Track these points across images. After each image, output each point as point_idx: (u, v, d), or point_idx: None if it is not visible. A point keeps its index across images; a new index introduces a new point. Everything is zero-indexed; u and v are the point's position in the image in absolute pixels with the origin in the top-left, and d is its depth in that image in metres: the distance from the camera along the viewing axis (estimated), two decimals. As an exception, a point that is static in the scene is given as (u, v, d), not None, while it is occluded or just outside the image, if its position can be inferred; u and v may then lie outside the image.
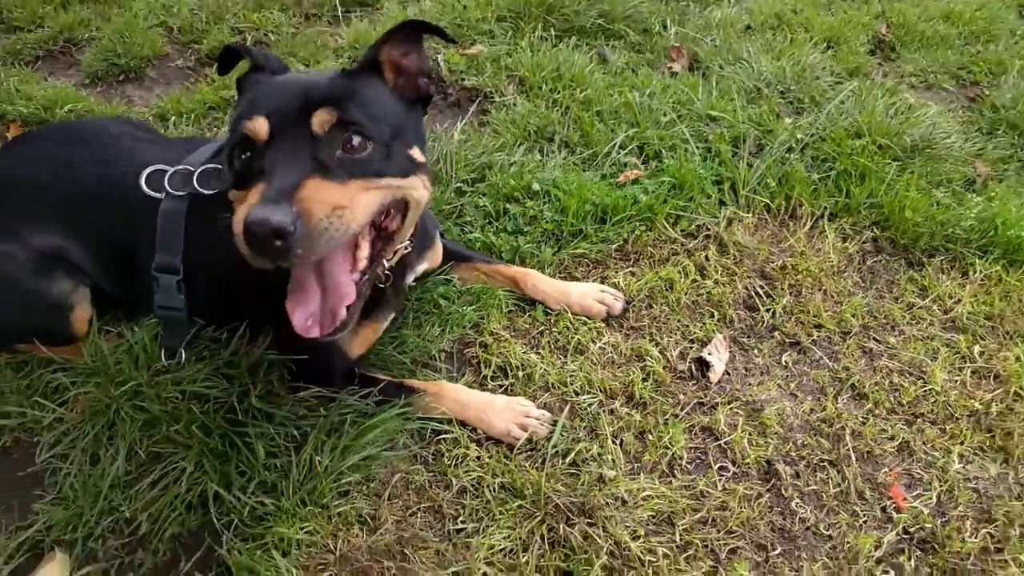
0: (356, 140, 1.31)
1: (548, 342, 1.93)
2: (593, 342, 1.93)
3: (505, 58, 2.86)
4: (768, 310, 2.00)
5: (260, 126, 1.29)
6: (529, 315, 2.00)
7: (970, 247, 2.15)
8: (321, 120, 1.30)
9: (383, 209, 1.37)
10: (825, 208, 2.27)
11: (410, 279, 1.82)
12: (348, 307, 1.35)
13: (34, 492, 1.63)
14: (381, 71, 1.48)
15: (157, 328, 1.77)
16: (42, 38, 2.99)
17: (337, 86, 1.37)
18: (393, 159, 1.37)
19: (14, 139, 2.14)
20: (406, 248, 1.59)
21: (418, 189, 1.44)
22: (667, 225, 2.22)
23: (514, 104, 2.65)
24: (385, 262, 1.50)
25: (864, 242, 2.21)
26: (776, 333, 1.96)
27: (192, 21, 3.10)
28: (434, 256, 1.92)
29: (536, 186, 2.25)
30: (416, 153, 1.45)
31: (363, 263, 1.40)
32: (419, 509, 1.58)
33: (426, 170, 1.47)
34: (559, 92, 2.67)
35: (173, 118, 2.62)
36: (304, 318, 1.34)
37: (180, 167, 1.69)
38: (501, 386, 1.83)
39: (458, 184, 2.31)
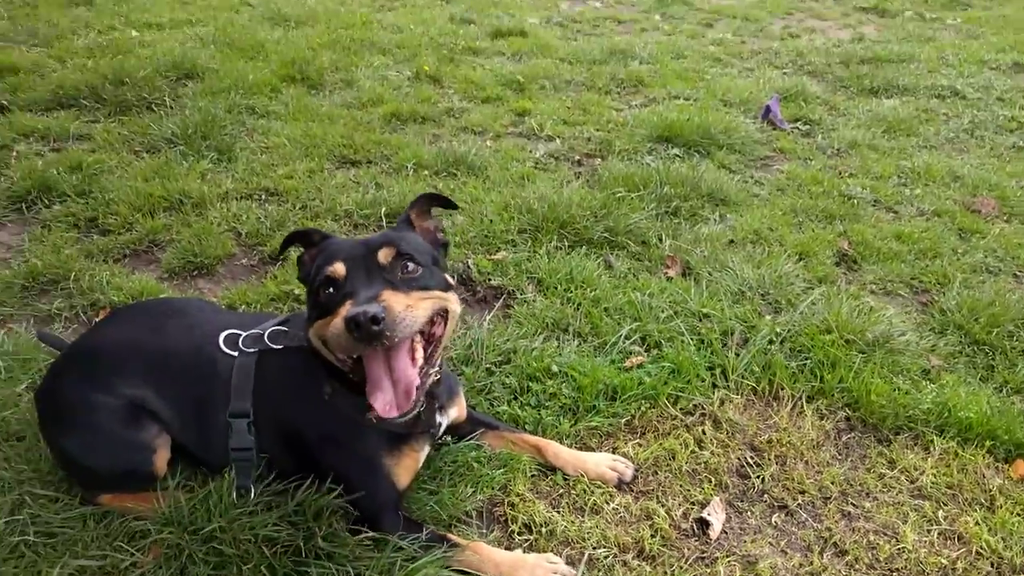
0: (410, 265, 1.82)
1: (567, 503, 2.21)
2: (607, 503, 2.20)
3: (525, 263, 3.35)
4: (758, 477, 2.30)
5: (339, 267, 1.79)
6: (550, 479, 2.29)
7: (929, 426, 2.48)
8: (385, 253, 1.81)
9: (434, 314, 1.80)
10: (803, 391, 2.63)
11: (441, 420, 2.13)
12: (416, 389, 1.72)
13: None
14: (412, 226, 2.06)
15: (230, 474, 2.06)
16: (131, 239, 3.48)
17: (390, 233, 1.96)
18: (435, 278, 1.87)
19: (120, 307, 2.58)
20: (437, 374, 1.94)
21: (454, 302, 1.90)
22: (668, 404, 2.57)
23: (534, 300, 3.10)
24: (431, 371, 1.85)
25: (838, 420, 2.55)
26: (766, 496, 2.25)
27: (258, 228, 3.63)
28: (459, 408, 2.27)
29: (555, 368, 2.63)
30: (448, 278, 1.95)
31: (419, 362, 1.78)
32: (457, 645, 1.79)
33: (456, 290, 1.96)
34: (572, 291, 3.13)
35: (241, 307, 3.06)
36: (384, 403, 1.70)
37: (252, 331, 2.11)
38: (527, 540, 2.09)
39: (487, 365, 2.69)
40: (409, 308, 1.68)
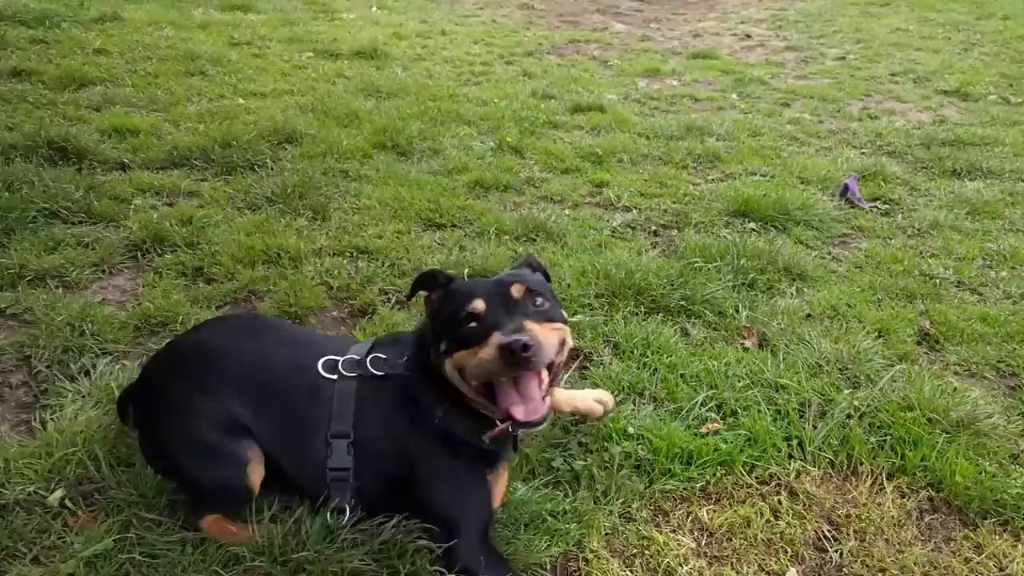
0: (540, 300, 2.06)
1: (641, 563, 2.23)
2: (681, 565, 2.22)
3: (602, 326, 3.43)
4: (836, 551, 2.28)
5: (479, 304, 2.01)
6: (624, 537, 2.32)
7: (1019, 512, 2.41)
8: (518, 289, 2.06)
9: (558, 343, 2.00)
10: (883, 467, 2.60)
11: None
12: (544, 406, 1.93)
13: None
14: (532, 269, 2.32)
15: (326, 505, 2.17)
16: (232, 289, 3.72)
17: (517, 272, 2.28)
18: (557, 312, 2.12)
19: (221, 316, 2.81)
20: None
21: (568, 334, 2.13)
22: (744, 472, 2.57)
23: (610, 363, 3.17)
24: (550, 394, 2.03)
25: (920, 500, 2.50)
26: (844, 571, 2.22)
27: (349, 283, 3.83)
28: None
29: (631, 429, 2.69)
30: (564, 314, 2.19)
31: (545, 384, 1.98)
32: None
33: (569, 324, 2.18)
34: (648, 356, 3.19)
35: (331, 355, 3.23)
36: (521, 412, 1.90)
37: (349, 356, 2.26)
38: (600, 597, 2.12)
39: (564, 423, 2.76)
40: (547, 337, 1.91)
